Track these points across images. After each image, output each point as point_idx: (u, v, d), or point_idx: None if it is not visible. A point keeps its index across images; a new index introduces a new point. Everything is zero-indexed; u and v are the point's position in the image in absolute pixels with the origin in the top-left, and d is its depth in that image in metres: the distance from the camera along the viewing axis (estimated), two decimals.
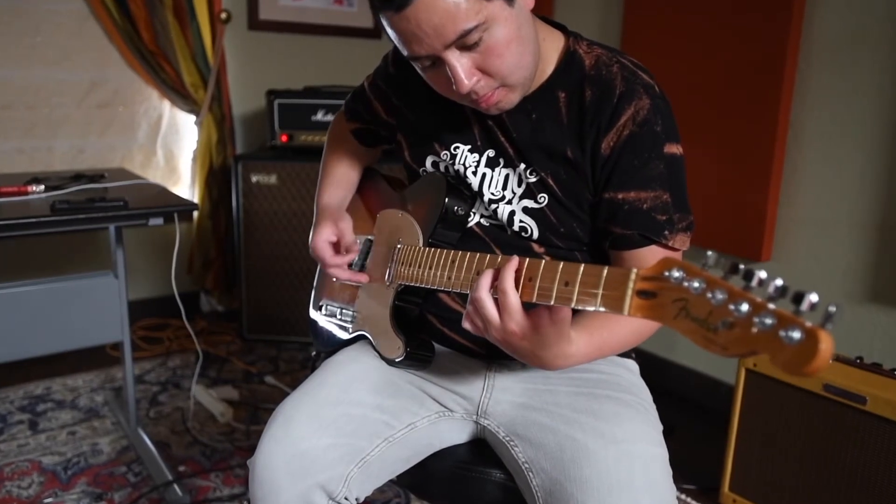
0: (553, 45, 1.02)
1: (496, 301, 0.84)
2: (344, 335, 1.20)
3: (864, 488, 1.50)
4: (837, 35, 1.93)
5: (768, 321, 0.56)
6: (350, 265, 1.19)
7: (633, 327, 0.96)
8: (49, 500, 1.81)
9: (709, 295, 0.60)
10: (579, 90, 0.99)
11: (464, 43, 0.88)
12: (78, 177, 1.98)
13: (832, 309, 0.53)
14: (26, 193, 1.76)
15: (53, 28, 2.62)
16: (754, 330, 0.56)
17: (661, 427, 1.05)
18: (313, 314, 1.30)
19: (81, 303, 1.97)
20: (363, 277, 1.16)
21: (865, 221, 1.92)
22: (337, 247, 1.19)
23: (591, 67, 1.00)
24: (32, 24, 2.58)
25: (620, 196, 0.98)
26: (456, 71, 0.90)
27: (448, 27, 0.86)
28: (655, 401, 1.11)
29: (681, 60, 2.24)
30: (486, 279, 0.85)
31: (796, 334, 0.54)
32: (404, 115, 1.17)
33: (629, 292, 0.70)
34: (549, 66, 1.02)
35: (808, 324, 0.54)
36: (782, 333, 0.54)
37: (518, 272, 0.83)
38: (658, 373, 2.42)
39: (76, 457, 2.01)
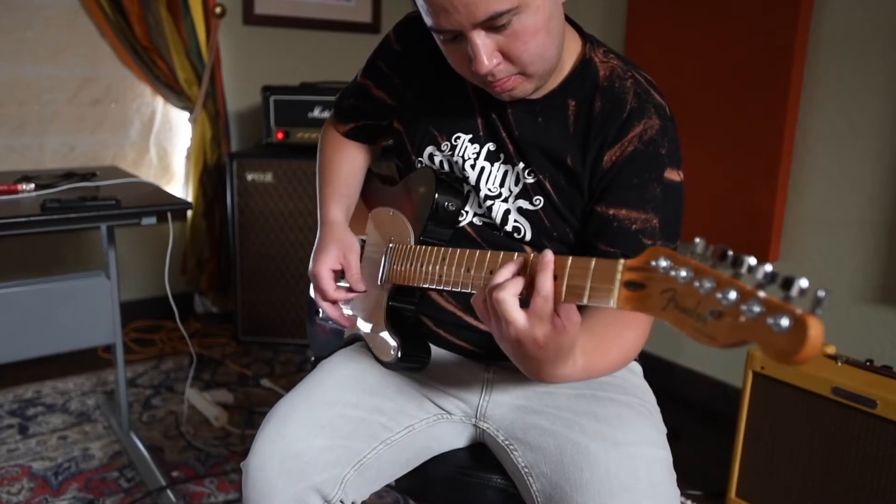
0: (571, 48, 1.00)
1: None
2: (340, 337, 1.18)
3: (873, 494, 1.48)
4: (846, 30, 1.92)
5: (756, 309, 0.54)
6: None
7: (622, 349, 0.93)
8: None
9: (696, 284, 0.59)
10: (590, 100, 0.98)
11: (492, 24, 0.86)
12: (69, 175, 1.96)
13: (821, 294, 0.52)
14: (16, 192, 1.73)
15: (44, 23, 2.59)
16: (742, 319, 0.55)
17: (664, 430, 1.03)
18: (309, 315, 1.27)
19: (72, 304, 1.95)
20: (347, 322, 1.13)
21: (875, 220, 1.90)
22: (338, 276, 1.13)
23: (605, 78, 0.99)
24: (23, 18, 2.55)
25: (612, 212, 0.97)
26: (478, 50, 0.87)
27: (480, 6, 0.83)
28: (660, 404, 1.10)
29: (686, 55, 2.22)
30: (518, 284, 0.77)
31: (785, 321, 0.52)
32: (405, 98, 1.13)
33: (617, 283, 0.68)
34: (563, 70, 1.00)
35: (798, 310, 0.52)
36: (770, 321, 0.53)
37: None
38: (663, 376, 2.40)
39: (67, 462, 1.98)
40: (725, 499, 1.74)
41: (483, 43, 0.87)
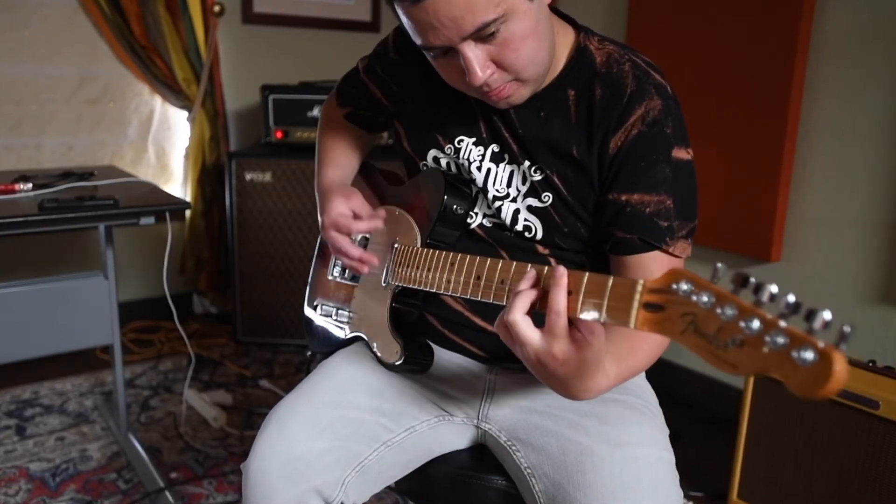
0: (564, 40, 1.00)
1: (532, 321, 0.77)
2: (340, 335, 1.17)
3: (876, 495, 1.48)
4: (849, 29, 1.92)
5: (780, 340, 0.54)
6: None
7: (651, 348, 0.92)
8: None
9: (718, 310, 0.58)
10: (589, 88, 0.98)
11: (481, 35, 0.86)
12: (67, 175, 1.94)
13: (847, 329, 0.51)
14: (14, 192, 1.72)
15: (42, 22, 2.58)
16: (765, 349, 0.54)
17: (667, 431, 1.03)
18: (308, 312, 1.26)
19: (70, 304, 1.94)
20: (374, 260, 1.07)
21: (877, 220, 1.90)
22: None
23: (602, 65, 0.98)
24: (21, 17, 2.53)
25: (624, 198, 0.96)
26: (470, 63, 0.87)
27: (467, 19, 0.84)
28: (662, 406, 1.10)
29: (688, 55, 2.22)
30: (525, 302, 0.76)
31: (809, 355, 0.52)
32: (405, 104, 1.13)
33: (636, 304, 0.67)
34: (559, 63, 1.00)
35: (822, 344, 0.52)
36: (794, 354, 0.52)
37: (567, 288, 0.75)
38: (665, 377, 2.39)
39: (65, 463, 1.97)
40: (727, 500, 1.74)
41: (474, 55, 0.87)
